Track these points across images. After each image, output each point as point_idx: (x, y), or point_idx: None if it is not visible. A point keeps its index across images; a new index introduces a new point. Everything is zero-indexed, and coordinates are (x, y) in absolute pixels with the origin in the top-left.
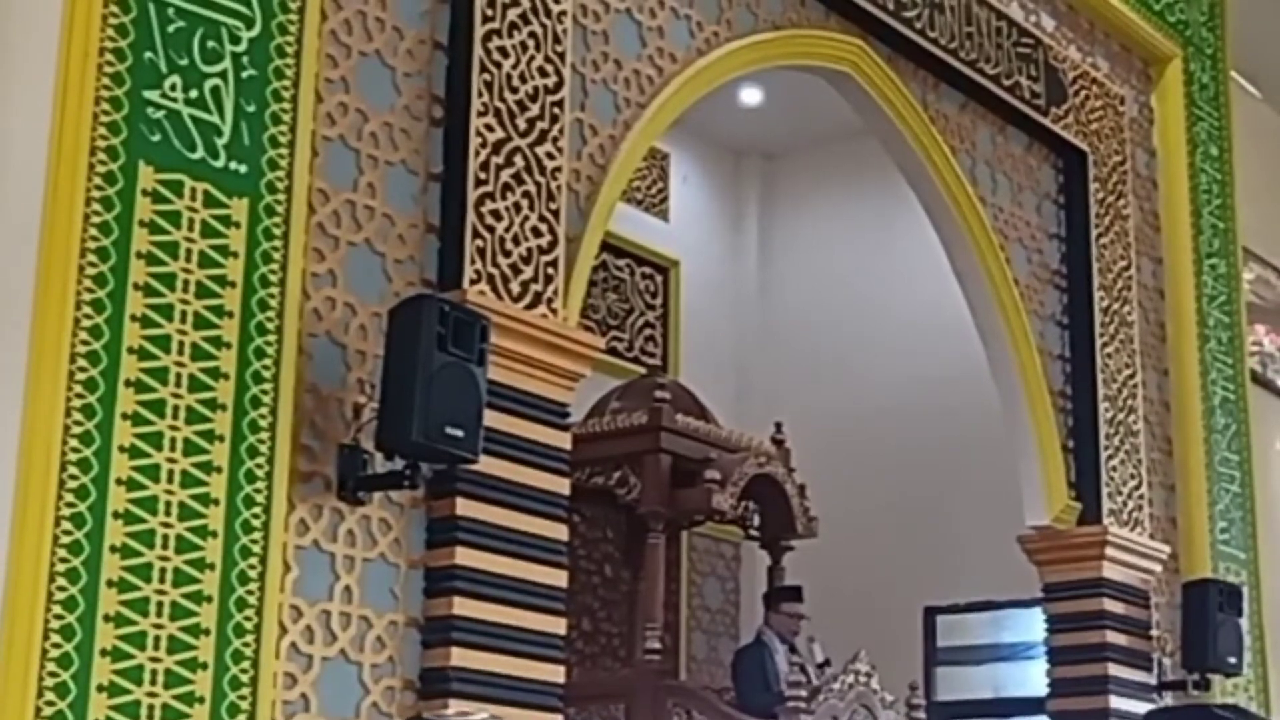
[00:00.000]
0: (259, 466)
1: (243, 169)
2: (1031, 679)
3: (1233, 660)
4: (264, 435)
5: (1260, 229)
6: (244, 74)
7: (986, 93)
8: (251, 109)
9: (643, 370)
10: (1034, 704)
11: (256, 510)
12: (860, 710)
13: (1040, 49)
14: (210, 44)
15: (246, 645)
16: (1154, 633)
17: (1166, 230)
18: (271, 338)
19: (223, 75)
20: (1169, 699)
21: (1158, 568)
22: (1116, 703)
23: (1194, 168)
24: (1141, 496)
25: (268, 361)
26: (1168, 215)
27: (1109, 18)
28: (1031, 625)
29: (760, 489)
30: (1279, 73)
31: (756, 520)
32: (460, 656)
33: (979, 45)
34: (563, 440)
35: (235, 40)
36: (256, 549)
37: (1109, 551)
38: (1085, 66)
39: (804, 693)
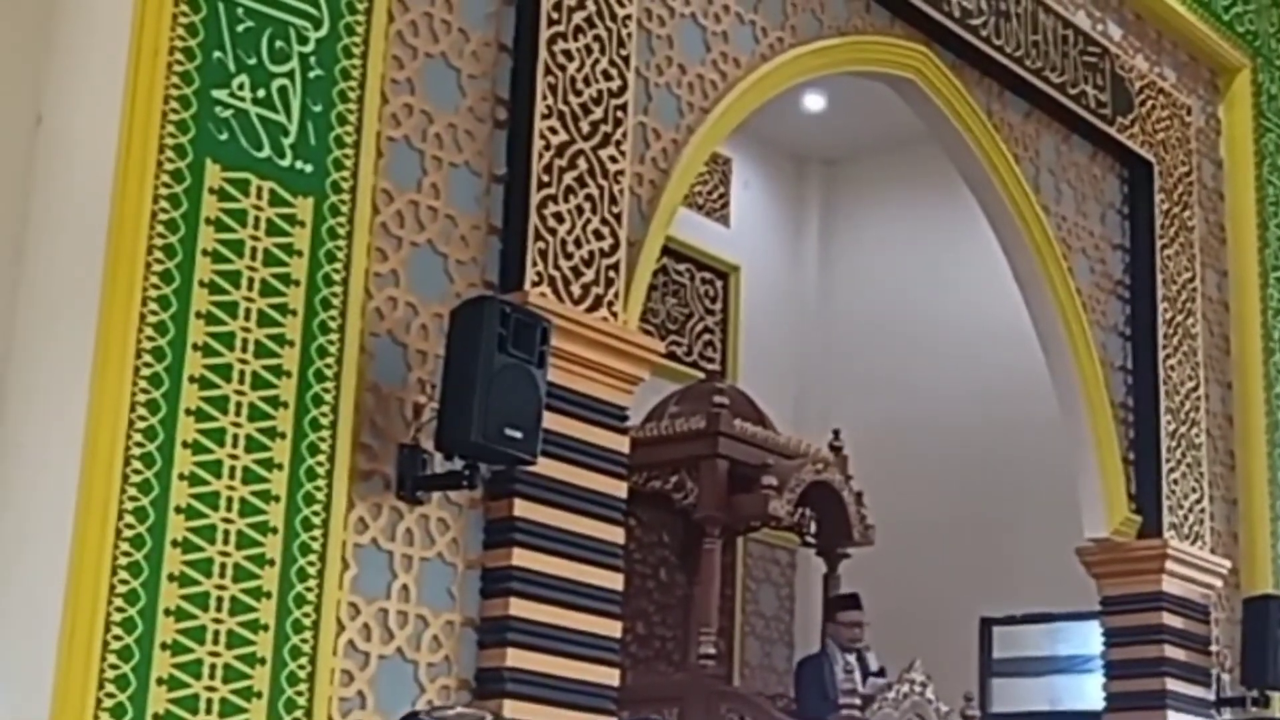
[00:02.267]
0: (319, 464)
1: (308, 168)
2: (1088, 692)
3: None
4: (325, 433)
5: None
6: (311, 74)
7: (1051, 101)
8: (318, 109)
9: (701, 375)
10: (1090, 718)
11: (316, 508)
12: None
13: (1107, 58)
14: (278, 44)
15: (304, 641)
16: (1213, 648)
17: (1232, 242)
18: (334, 336)
19: (290, 75)
20: (1228, 715)
21: (1218, 582)
22: (1174, 718)
23: (1261, 180)
24: (1203, 510)
25: (330, 360)
26: (1234, 227)
27: (1177, 27)
28: (1089, 638)
29: (817, 496)
30: None
31: (813, 527)
32: (515, 657)
33: (1045, 53)
34: (621, 443)
35: (303, 40)
36: (316, 546)
37: (1169, 565)
38: (1152, 76)
39: (858, 701)
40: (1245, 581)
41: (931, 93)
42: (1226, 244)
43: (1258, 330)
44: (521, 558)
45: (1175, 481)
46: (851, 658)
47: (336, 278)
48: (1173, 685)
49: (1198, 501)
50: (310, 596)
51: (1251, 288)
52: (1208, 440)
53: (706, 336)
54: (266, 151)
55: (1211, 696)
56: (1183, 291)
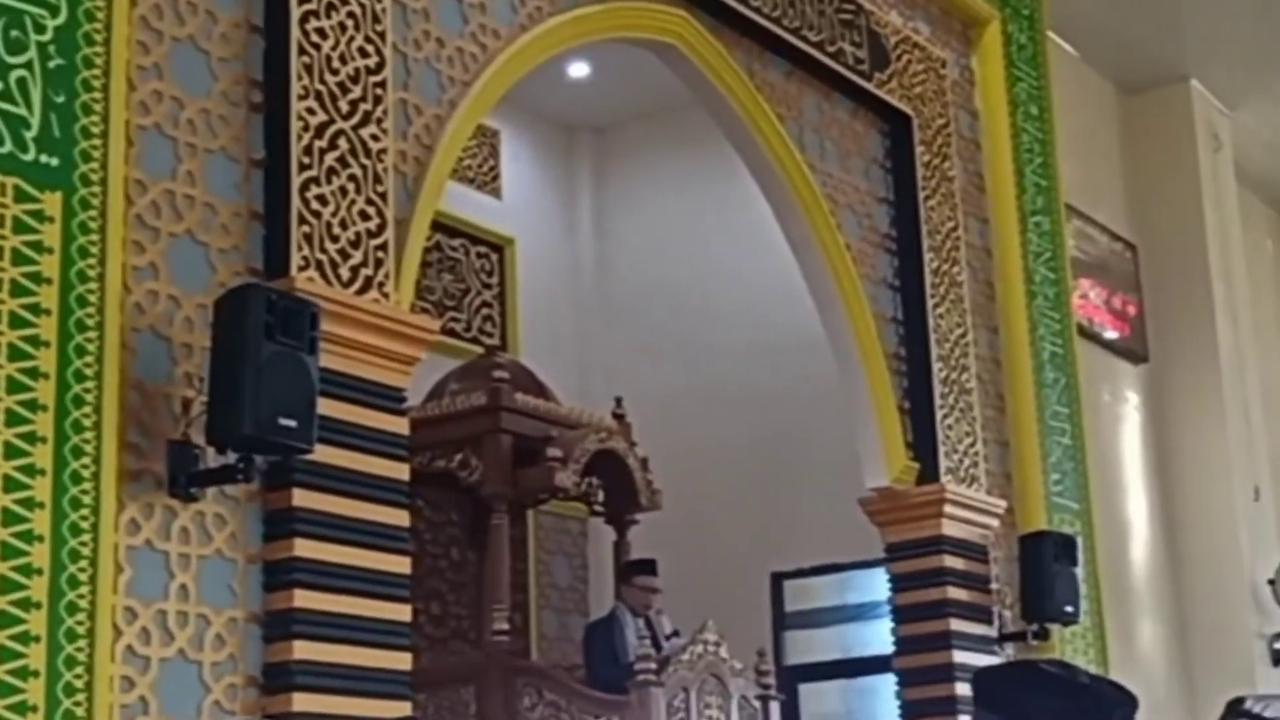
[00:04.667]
0: (85, 467)
1: (54, 162)
2: (878, 638)
3: (1070, 609)
4: (89, 435)
5: (1081, 185)
6: (51, 64)
7: (811, 60)
8: (61, 99)
9: (481, 350)
10: (881, 662)
11: (84, 512)
12: (710, 679)
13: (862, 15)
14: (13, 34)
15: (79, 650)
16: (994, 586)
17: (991, 190)
18: (92, 334)
19: (28, 66)
20: (1010, 650)
21: (995, 522)
22: (960, 657)
23: (1015, 128)
24: (977, 453)
25: (89, 359)
26: (992, 175)
27: None
28: (876, 585)
29: (603, 464)
30: (1095, 32)
31: (601, 496)
32: (304, 650)
33: (802, 13)
34: (400, 425)
35: (40, 29)
36: (86, 551)
37: (947, 509)
38: (906, 31)
39: (653, 665)
40: (1020, 519)
41: (693, 56)
42: (986, 192)
43: (1020, 275)
44: (304, 548)
45: (949, 427)
46: (642, 622)
47: (91, 274)
48: (957, 625)
49: (971, 445)
50: (83, 604)
51: (1011, 234)
52: (978, 385)
53: (485, 311)
54: (8, 146)
55: (994, 633)
56: (947, 241)
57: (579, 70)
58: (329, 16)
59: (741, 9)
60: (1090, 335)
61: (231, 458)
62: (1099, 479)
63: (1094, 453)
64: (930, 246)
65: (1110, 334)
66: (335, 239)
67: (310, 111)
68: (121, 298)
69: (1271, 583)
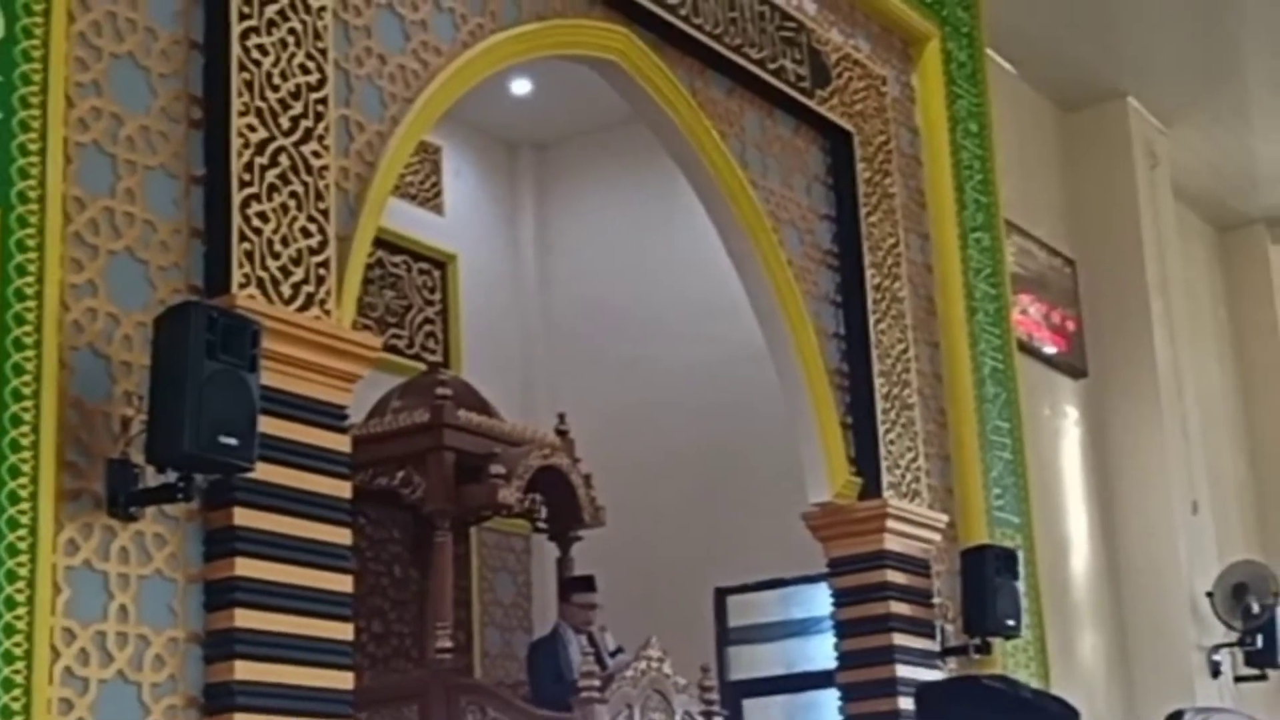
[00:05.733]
0: (22, 487)
1: None
2: (821, 653)
3: (1011, 623)
4: (26, 454)
5: (1021, 202)
6: None
7: (753, 77)
8: None
9: (423, 367)
10: (825, 677)
11: (21, 532)
12: (654, 696)
13: (803, 32)
14: None
15: (17, 673)
16: (936, 600)
17: (932, 207)
18: (30, 353)
19: None
20: (953, 664)
21: (937, 537)
22: (902, 671)
23: (955, 145)
24: (919, 468)
25: (27, 378)
26: (932, 192)
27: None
28: (819, 600)
29: (546, 481)
30: (1033, 50)
31: (544, 512)
32: (245, 670)
33: (743, 30)
34: (342, 443)
35: None
36: (23, 572)
37: (889, 524)
38: (847, 48)
39: (597, 682)
40: (962, 533)
41: (635, 74)
42: (926, 208)
43: (960, 290)
44: (245, 567)
45: (891, 442)
46: (585, 639)
47: (29, 292)
48: (900, 640)
49: (914, 460)
50: (20, 625)
51: (952, 250)
52: (920, 400)
53: (428, 328)
54: None
55: (937, 647)
56: (888, 257)
57: (521, 87)
58: (270, 33)
59: (683, 26)
60: (1030, 350)
61: (171, 476)
62: (1039, 493)
63: (1034, 467)
64: (871, 262)
65: (1050, 349)
66: (276, 256)
67: (251, 128)
68: (60, 316)
69: (1210, 595)
